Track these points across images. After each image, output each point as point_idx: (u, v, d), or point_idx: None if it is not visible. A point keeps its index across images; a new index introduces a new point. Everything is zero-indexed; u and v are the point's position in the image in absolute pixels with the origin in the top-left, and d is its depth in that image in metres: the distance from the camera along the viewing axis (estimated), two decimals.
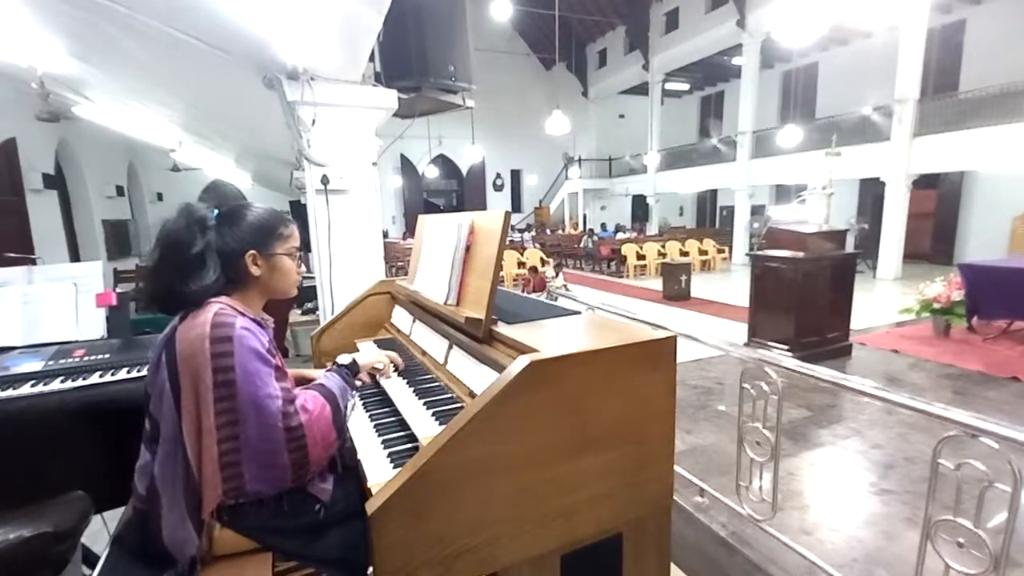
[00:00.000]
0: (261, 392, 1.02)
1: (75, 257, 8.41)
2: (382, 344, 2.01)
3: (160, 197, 13.64)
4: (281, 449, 1.04)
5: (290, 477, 1.06)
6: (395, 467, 1.17)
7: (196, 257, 1.10)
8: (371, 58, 2.76)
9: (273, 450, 1.04)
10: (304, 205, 3.24)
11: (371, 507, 0.93)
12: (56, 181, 7.89)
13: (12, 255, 3.04)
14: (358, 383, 1.53)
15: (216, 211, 1.17)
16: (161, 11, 2.37)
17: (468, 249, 1.56)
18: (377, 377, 1.60)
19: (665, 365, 1.20)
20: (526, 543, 1.08)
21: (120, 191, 10.54)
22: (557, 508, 1.11)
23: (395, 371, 1.64)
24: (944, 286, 4.97)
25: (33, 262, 2.67)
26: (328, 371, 1.34)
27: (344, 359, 1.42)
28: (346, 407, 1.22)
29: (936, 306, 5.00)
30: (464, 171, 20.86)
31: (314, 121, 2.65)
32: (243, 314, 1.10)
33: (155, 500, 1.06)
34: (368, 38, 2.40)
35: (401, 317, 2.13)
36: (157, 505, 1.05)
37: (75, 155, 8.81)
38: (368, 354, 1.57)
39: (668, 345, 1.20)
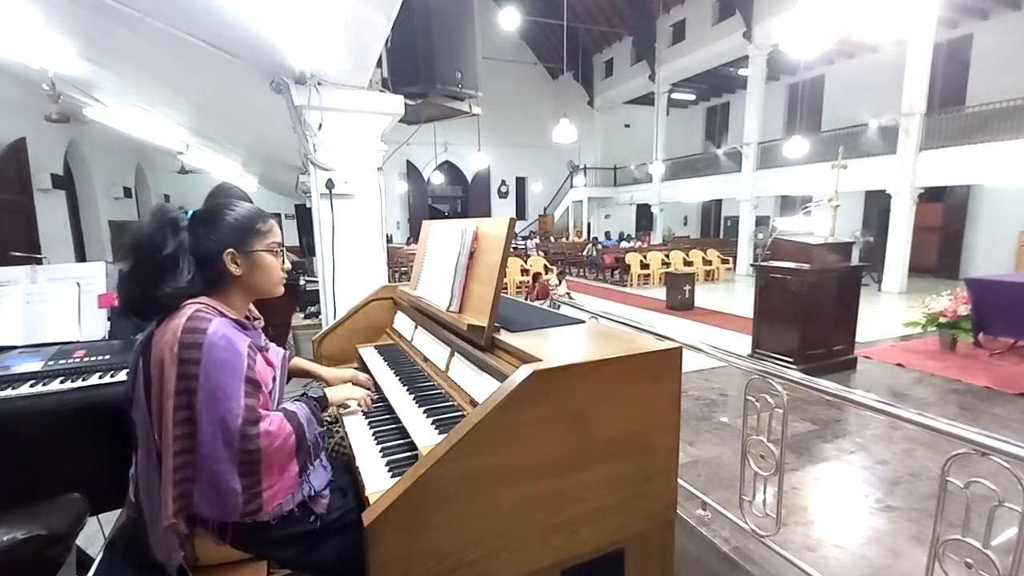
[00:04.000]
0: (222, 407, 0.97)
1: (81, 257, 8.43)
2: (383, 350, 2.00)
3: (167, 199, 13.73)
4: (232, 472, 0.98)
5: (239, 506, 0.99)
6: (393, 476, 1.16)
7: (168, 259, 1.07)
8: (379, 63, 2.77)
9: (223, 471, 0.98)
10: (309, 209, 3.24)
11: (368, 517, 0.91)
12: (64, 181, 7.93)
13: (18, 254, 3.04)
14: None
15: (190, 212, 1.15)
16: (172, 15, 2.39)
17: (472, 255, 1.55)
18: (341, 411, 1.53)
19: (670, 377, 1.18)
20: (526, 557, 1.06)
21: (128, 192, 10.61)
22: (558, 521, 1.09)
23: (363, 411, 1.55)
24: (951, 300, 4.93)
25: (39, 261, 2.67)
26: (297, 399, 1.27)
27: (314, 393, 1.34)
28: (315, 441, 1.15)
29: (942, 320, 4.96)
30: (469, 178, 20.91)
31: (321, 125, 2.66)
32: (224, 315, 1.08)
33: (140, 509, 1.04)
34: (376, 44, 2.41)
35: (403, 323, 2.12)
36: (143, 514, 1.03)
37: (84, 156, 8.87)
38: (340, 391, 1.49)
39: (673, 356, 1.18)
